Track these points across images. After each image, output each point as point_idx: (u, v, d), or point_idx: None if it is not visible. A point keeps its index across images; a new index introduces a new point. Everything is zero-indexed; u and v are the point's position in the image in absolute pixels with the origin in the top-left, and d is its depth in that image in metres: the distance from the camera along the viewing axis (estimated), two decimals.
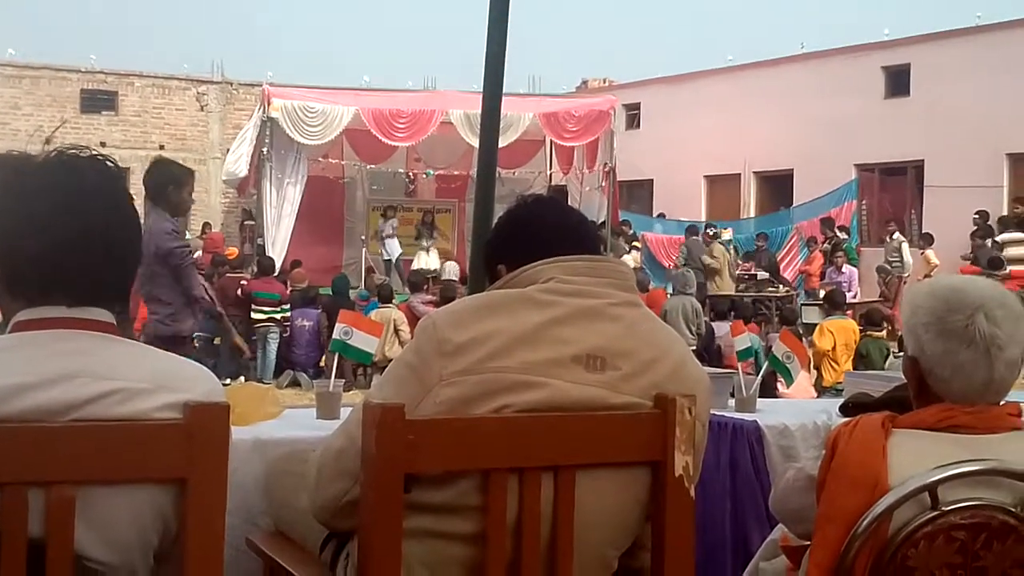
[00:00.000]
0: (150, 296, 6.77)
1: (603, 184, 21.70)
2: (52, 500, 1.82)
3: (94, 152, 2.08)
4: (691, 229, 22.40)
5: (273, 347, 15.11)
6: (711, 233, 21.23)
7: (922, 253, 19.71)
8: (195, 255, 20.10)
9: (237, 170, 21.60)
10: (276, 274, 16.40)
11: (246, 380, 12.62)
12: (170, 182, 6.83)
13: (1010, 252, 18.85)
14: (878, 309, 14.17)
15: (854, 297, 18.86)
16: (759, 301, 18.14)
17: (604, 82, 33.17)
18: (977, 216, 20.32)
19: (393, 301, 14.97)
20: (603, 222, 20.38)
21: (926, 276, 16.42)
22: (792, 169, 26.10)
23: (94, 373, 1.91)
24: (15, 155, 2.05)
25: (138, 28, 71.99)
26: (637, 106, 29.81)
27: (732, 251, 22.20)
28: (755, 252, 22.08)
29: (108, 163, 2.08)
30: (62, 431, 1.85)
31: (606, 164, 21.53)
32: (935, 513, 2.25)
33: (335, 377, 3.86)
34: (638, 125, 29.60)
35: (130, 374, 1.95)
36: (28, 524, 1.80)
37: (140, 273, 7.19)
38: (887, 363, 11.11)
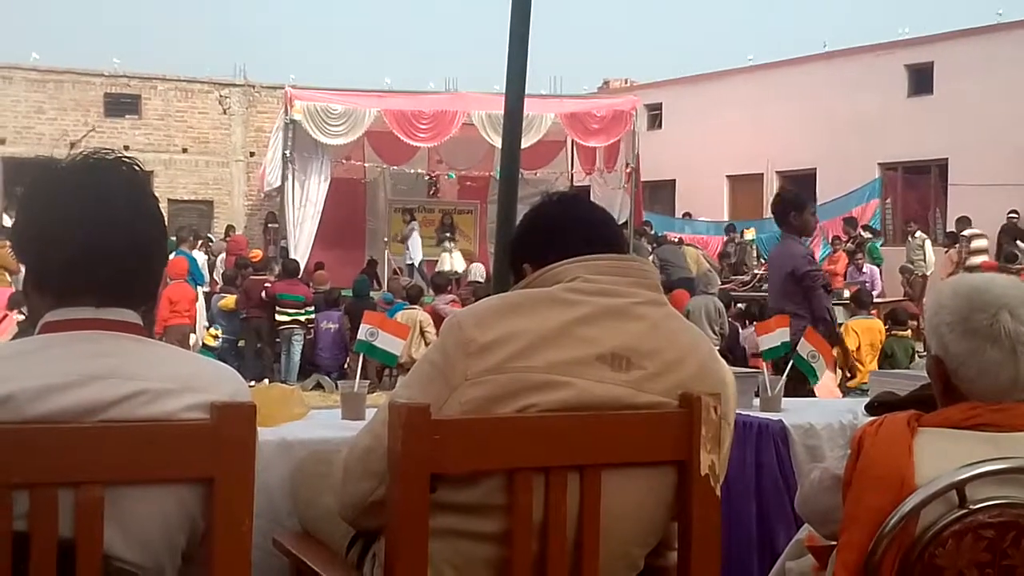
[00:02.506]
0: (781, 311, 7.04)
1: (625, 184, 21.64)
2: (81, 501, 1.83)
3: (120, 155, 2.09)
4: (660, 239, 22.07)
5: (297, 349, 15.18)
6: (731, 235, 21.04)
7: (946, 252, 19.60)
8: (219, 257, 20.31)
9: (273, 180, 21.56)
10: (300, 276, 16.47)
11: (270, 382, 12.67)
12: (791, 208, 7.65)
13: None
14: (904, 308, 14.11)
15: (878, 296, 18.77)
16: None
17: (625, 82, 33.13)
18: (1015, 216, 20.14)
19: (422, 302, 15.02)
20: (625, 222, 20.33)
21: (950, 275, 16.33)
22: (815, 168, 26.02)
23: (121, 374, 1.92)
24: (43, 159, 2.07)
25: (161, 32, 72.31)
26: (659, 106, 29.76)
27: (753, 250, 22.14)
28: None
29: (135, 166, 2.09)
30: (90, 432, 1.86)
31: (628, 164, 21.48)
32: (963, 512, 2.23)
33: (360, 378, 3.87)
34: (660, 125, 29.55)
35: (157, 375, 1.96)
36: (58, 524, 1.82)
37: (773, 288, 7.89)
38: (912, 362, 11.07)
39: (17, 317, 11.80)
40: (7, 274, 14.83)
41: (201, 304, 15.94)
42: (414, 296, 15.04)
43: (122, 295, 2.03)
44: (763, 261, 21.38)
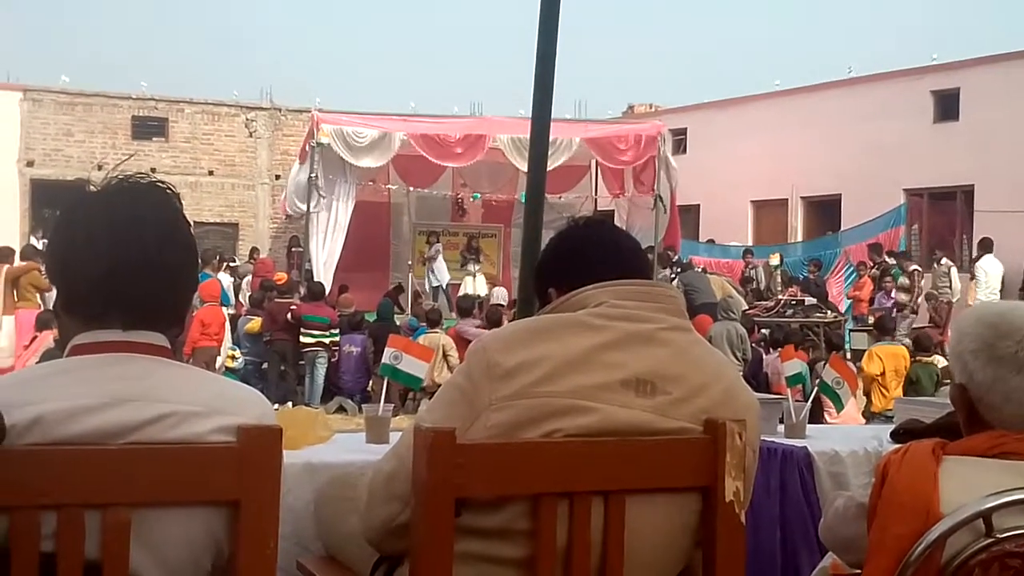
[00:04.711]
0: None
1: (652, 209, 21.63)
2: (108, 522, 1.84)
3: (155, 179, 2.11)
4: (685, 264, 21.77)
5: (321, 371, 15.19)
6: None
7: (972, 279, 19.50)
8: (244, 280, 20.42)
9: (299, 202, 21.54)
10: (325, 299, 16.51)
11: (294, 405, 12.68)
12: None
13: None
14: (928, 334, 14.03)
15: None
16: (806, 327, 18.00)
17: (650, 107, 33.18)
18: None
19: (443, 326, 15.02)
20: (650, 247, 20.30)
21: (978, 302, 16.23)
22: (840, 194, 25.97)
23: (148, 396, 1.94)
24: (77, 181, 2.09)
25: (188, 56, 72.82)
26: (683, 131, 29.76)
27: (778, 276, 22.08)
28: (806, 279, 21.86)
29: (168, 190, 2.11)
30: (118, 454, 1.87)
31: (653, 189, 21.49)
32: (989, 540, 2.22)
33: (384, 401, 3.87)
34: (684, 150, 29.53)
35: (184, 397, 1.97)
36: (85, 546, 1.83)
37: None
38: (937, 389, 11.01)
39: (50, 337, 11.88)
40: (37, 295, 14.93)
41: (227, 326, 16.00)
42: (435, 320, 15.05)
43: (151, 318, 2.04)
44: (788, 287, 21.32)
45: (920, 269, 19.65)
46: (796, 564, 3.91)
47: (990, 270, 18.88)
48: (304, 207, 20.39)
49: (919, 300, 19.19)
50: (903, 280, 19.21)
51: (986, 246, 19.84)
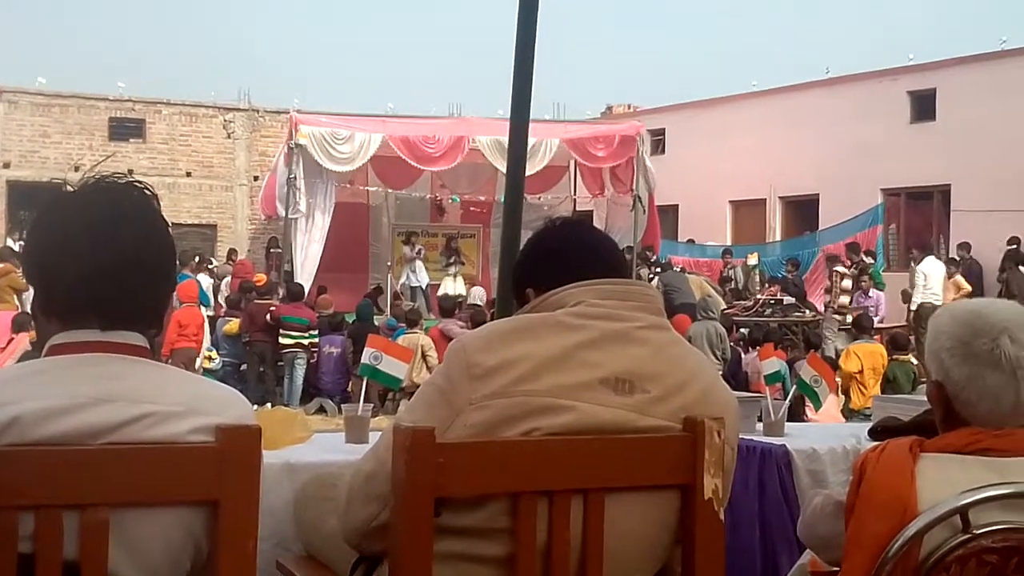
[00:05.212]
0: None
1: (631, 209, 21.65)
2: (86, 523, 1.84)
3: (132, 179, 2.11)
4: (664, 264, 21.94)
5: (300, 373, 15.18)
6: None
7: (950, 278, 19.60)
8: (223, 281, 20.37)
9: (277, 204, 21.39)
10: (304, 300, 16.49)
11: (273, 406, 12.66)
12: None
13: None
14: (903, 333, 14.11)
15: (880, 321, 18.76)
16: (785, 326, 18.07)
17: (628, 108, 33.23)
18: (1012, 248, 20.19)
19: (422, 326, 15.01)
20: (628, 247, 20.33)
21: (954, 301, 16.32)
22: (818, 194, 26.09)
23: (127, 397, 1.93)
24: (54, 182, 2.09)
25: (165, 57, 72.56)
26: (662, 131, 29.85)
27: (757, 275, 22.15)
28: (784, 278, 21.94)
29: (145, 190, 2.11)
30: (96, 454, 1.87)
31: (632, 189, 21.51)
32: (966, 536, 2.23)
33: (363, 402, 3.87)
34: (663, 151, 29.60)
35: (162, 398, 1.97)
36: (63, 546, 1.82)
37: None
38: (914, 387, 11.06)
39: (26, 340, 11.83)
40: (14, 296, 14.86)
41: (206, 328, 15.96)
42: (413, 320, 15.05)
43: (129, 318, 2.04)
44: (766, 286, 21.39)
45: (844, 271, 19.77)
46: (775, 561, 3.93)
47: (930, 272, 19.14)
48: (287, 209, 20.31)
49: (840, 300, 19.31)
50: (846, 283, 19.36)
51: (926, 248, 20.18)
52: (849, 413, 11.63)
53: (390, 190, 22.89)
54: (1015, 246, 20.19)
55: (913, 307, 18.84)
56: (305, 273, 20.00)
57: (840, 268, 19.72)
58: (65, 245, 2.00)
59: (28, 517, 1.81)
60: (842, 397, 11.93)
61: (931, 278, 19.03)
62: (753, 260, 23.17)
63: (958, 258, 20.65)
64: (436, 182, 23.23)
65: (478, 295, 21.28)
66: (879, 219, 24.21)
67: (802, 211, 27.10)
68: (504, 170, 6.48)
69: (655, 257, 22.64)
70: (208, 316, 16.50)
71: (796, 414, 8.56)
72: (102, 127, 27.57)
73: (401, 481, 2.16)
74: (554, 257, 2.59)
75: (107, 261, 1.99)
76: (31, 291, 2.15)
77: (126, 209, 2.05)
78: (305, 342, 15.20)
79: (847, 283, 19.36)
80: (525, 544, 2.22)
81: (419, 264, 22.65)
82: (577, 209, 23.67)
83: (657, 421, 2.35)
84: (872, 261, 20.99)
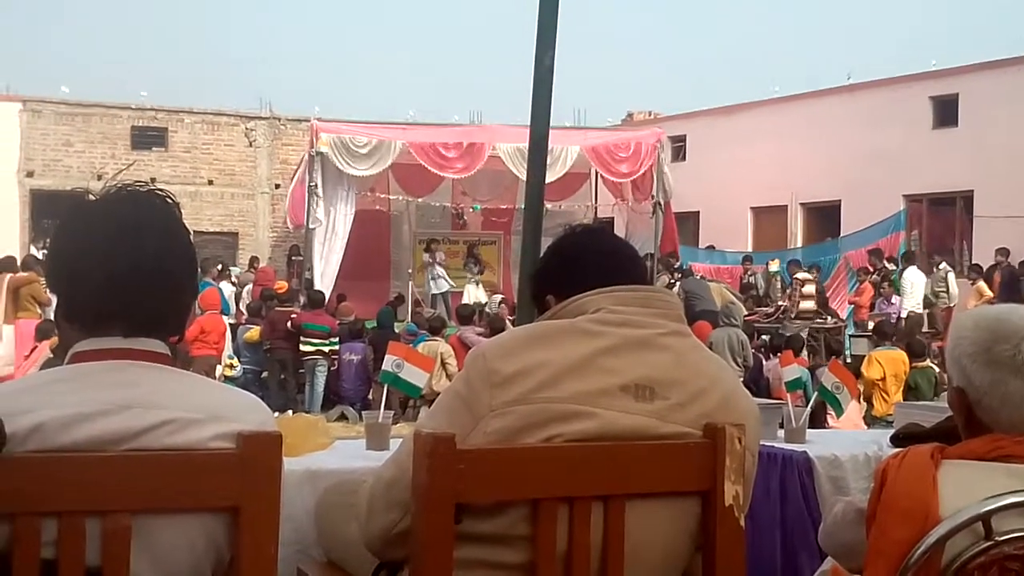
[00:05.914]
0: None
1: (651, 216, 21.61)
2: (108, 529, 1.85)
3: (154, 188, 2.12)
4: (685, 271, 21.84)
5: (321, 380, 15.20)
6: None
7: (973, 284, 19.51)
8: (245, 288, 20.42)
9: (299, 211, 21.49)
10: (324, 307, 16.52)
11: (294, 413, 12.69)
12: None
13: None
14: (919, 340, 14.05)
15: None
16: (807, 332, 17.99)
17: (649, 114, 33.18)
18: None
19: (444, 334, 15.01)
20: (649, 254, 20.30)
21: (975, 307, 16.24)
22: (839, 200, 25.99)
23: (149, 403, 1.94)
24: (77, 191, 2.10)
25: (188, 66, 72.87)
26: (683, 138, 29.77)
27: (778, 281, 22.07)
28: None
29: (167, 198, 2.12)
30: (118, 460, 1.88)
31: (653, 196, 21.48)
32: (988, 543, 2.22)
33: (384, 409, 3.87)
34: (684, 157, 29.53)
35: (184, 404, 1.98)
36: (86, 553, 1.83)
37: None
38: (937, 394, 11.02)
39: (49, 347, 11.88)
40: (37, 306, 14.94)
41: (228, 335, 16.02)
42: (436, 328, 15.05)
43: (151, 326, 2.05)
44: (787, 293, 21.30)
45: (811, 277, 19.77)
46: (796, 568, 3.91)
47: (915, 281, 19.18)
48: (308, 217, 20.36)
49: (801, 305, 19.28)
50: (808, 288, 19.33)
51: (910, 259, 20.42)
52: (871, 420, 11.58)
53: (411, 198, 22.92)
54: None
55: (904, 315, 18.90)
56: (326, 281, 20.03)
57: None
58: (88, 253, 2.01)
59: (51, 523, 1.82)
60: (864, 404, 11.88)
61: (916, 286, 19.19)
62: (774, 267, 23.09)
63: (983, 265, 20.56)
64: (457, 189, 23.24)
65: (496, 303, 21.28)
66: (901, 225, 24.10)
67: (824, 217, 27.01)
68: (524, 177, 6.49)
69: (677, 264, 22.58)
70: (229, 324, 16.55)
71: (818, 421, 8.54)
72: (125, 136, 27.70)
73: (422, 487, 2.16)
74: (574, 264, 2.59)
75: (129, 269, 2.00)
76: (52, 303, 2.15)
77: (148, 217, 2.06)
78: (326, 349, 15.23)
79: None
80: (545, 551, 2.22)
81: (440, 271, 22.67)
82: (598, 216, 23.65)
83: (678, 428, 2.34)
84: (895, 268, 20.93)
